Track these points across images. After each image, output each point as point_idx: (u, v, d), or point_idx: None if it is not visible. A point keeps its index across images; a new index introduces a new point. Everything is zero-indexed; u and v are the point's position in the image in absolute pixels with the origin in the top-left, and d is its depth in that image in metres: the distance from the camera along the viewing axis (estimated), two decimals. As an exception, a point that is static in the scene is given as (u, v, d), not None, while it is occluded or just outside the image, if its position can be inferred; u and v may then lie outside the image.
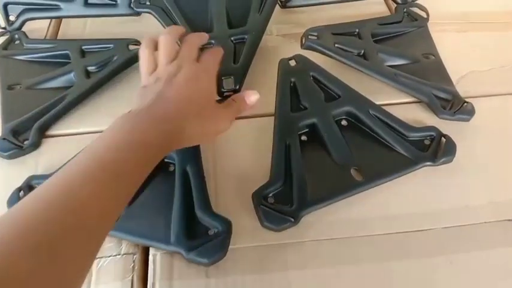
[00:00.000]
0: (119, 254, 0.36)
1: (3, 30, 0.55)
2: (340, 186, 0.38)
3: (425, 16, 0.54)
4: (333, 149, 0.41)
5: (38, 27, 0.56)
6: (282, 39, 0.54)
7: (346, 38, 0.50)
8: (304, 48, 0.49)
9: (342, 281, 0.34)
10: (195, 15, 0.52)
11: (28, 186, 0.39)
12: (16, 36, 0.54)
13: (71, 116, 0.46)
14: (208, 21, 0.52)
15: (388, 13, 0.56)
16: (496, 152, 0.42)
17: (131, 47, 0.50)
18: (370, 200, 0.39)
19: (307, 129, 0.43)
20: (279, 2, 0.56)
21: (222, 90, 0.45)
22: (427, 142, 0.42)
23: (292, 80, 0.46)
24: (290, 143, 0.41)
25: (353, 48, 0.49)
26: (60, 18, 0.58)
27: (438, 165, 0.40)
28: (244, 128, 0.44)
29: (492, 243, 0.36)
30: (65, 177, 0.28)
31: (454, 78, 0.48)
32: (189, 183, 0.38)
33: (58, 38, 0.56)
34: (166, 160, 0.40)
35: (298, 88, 0.45)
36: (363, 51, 0.48)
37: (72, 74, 0.48)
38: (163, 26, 0.51)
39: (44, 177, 0.39)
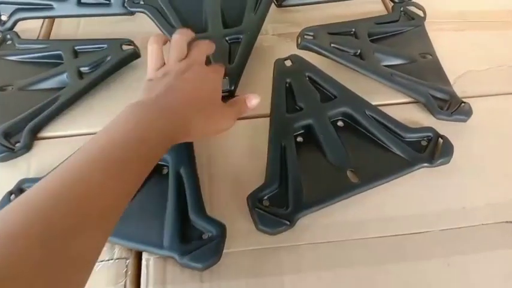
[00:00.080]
0: (112, 259, 0.36)
1: (-5, 30, 0.54)
2: (336, 188, 0.38)
3: (422, 15, 0.54)
4: (328, 150, 0.40)
5: (30, 27, 0.55)
6: (278, 38, 0.53)
7: (343, 38, 0.50)
8: (300, 48, 0.48)
9: (338, 285, 0.34)
10: (189, 15, 0.52)
11: (19, 190, 0.38)
12: (8, 36, 0.53)
13: (64, 117, 0.46)
14: (203, 20, 0.52)
15: (385, 12, 0.56)
16: (494, 153, 0.42)
17: (125, 47, 0.49)
18: (366, 202, 0.38)
19: (302, 131, 0.42)
20: (274, 0, 0.55)
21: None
22: (424, 143, 0.41)
23: (288, 80, 0.45)
24: (286, 145, 0.40)
25: (349, 48, 0.48)
26: (53, 18, 0.57)
27: (435, 166, 0.40)
28: (239, 129, 0.43)
29: (490, 245, 0.36)
30: (71, 167, 0.28)
31: (451, 78, 0.47)
32: (182, 186, 0.38)
33: (51, 38, 0.55)
34: (159, 162, 0.39)
35: (294, 89, 0.45)
36: (359, 51, 0.48)
37: (65, 75, 0.47)
38: (158, 26, 0.51)
39: (36, 180, 0.38)
